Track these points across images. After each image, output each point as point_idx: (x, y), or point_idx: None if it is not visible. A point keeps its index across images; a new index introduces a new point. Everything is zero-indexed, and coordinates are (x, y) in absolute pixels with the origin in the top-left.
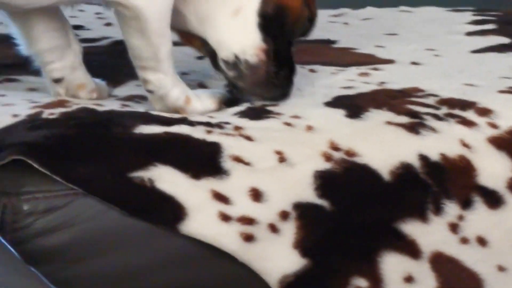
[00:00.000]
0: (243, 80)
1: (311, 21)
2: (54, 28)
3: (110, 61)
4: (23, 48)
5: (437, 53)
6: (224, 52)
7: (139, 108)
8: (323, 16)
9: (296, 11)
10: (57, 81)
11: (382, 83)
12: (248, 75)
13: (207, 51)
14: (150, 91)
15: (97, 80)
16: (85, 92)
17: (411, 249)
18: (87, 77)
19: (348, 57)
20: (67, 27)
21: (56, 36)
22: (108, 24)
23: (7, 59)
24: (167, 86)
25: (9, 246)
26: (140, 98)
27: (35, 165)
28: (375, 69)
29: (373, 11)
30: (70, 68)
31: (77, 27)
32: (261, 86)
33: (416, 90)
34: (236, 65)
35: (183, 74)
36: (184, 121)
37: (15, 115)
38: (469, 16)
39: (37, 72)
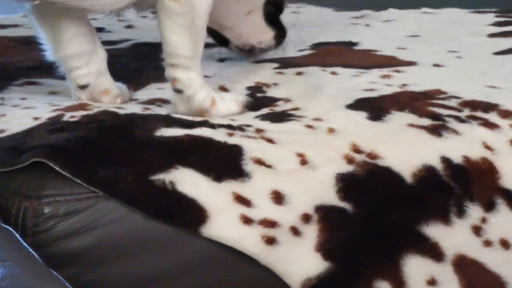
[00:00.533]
0: (252, 57)
1: None
2: (82, 33)
3: (131, 64)
4: (49, 53)
5: (459, 55)
6: (242, 42)
7: (161, 111)
8: (345, 18)
9: None
10: (83, 87)
11: (404, 85)
12: (259, 54)
13: (212, 36)
14: (178, 90)
15: (119, 84)
16: (109, 97)
17: (434, 252)
18: (112, 83)
19: (370, 59)
20: (94, 32)
21: (83, 42)
22: (129, 27)
23: (27, 61)
24: (196, 85)
25: (31, 250)
26: (162, 102)
27: (57, 168)
28: (397, 71)
29: (395, 13)
30: (95, 74)
31: (98, 30)
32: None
33: (439, 92)
34: (251, 50)
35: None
36: (205, 123)
37: (36, 118)
38: (491, 17)
39: (58, 75)
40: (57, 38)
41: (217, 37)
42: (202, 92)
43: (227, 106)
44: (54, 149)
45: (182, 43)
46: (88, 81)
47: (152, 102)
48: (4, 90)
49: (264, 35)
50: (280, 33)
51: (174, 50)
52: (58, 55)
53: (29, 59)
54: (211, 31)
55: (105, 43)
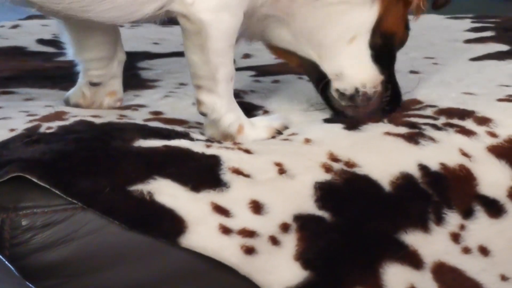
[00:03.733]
0: (354, 109)
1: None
2: (106, 41)
3: None
4: (70, 53)
5: (436, 61)
6: (343, 84)
7: (135, 115)
8: None
9: (400, 35)
10: (94, 84)
11: None
12: (362, 106)
13: (308, 71)
14: (203, 114)
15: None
16: (113, 99)
17: (413, 259)
18: (120, 86)
19: None
20: (118, 37)
21: (106, 48)
22: None
23: (4, 72)
24: (221, 110)
25: (7, 262)
26: (138, 106)
27: (34, 179)
28: None
29: None
30: (110, 76)
31: None
32: (371, 113)
33: (415, 102)
34: (352, 97)
35: (242, 93)
36: (184, 135)
37: (12, 129)
38: (468, 23)
39: (33, 84)
40: (81, 42)
41: (314, 76)
42: (229, 117)
43: (256, 132)
44: (31, 162)
45: (201, 64)
46: (101, 80)
47: (128, 107)
48: None
49: (368, 74)
50: (392, 84)
51: (194, 70)
52: (79, 57)
53: (6, 69)
54: (309, 67)
55: None
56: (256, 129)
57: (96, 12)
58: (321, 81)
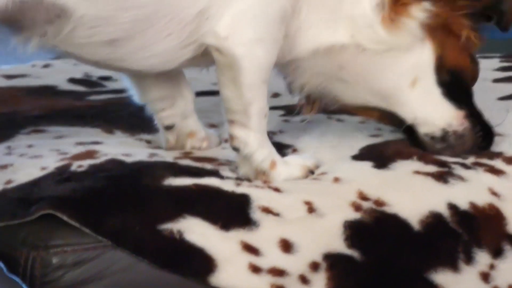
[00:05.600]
0: (451, 150)
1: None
2: (165, 78)
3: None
4: (136, 97)
5: None
6: (428, 128)
7: (166, 155)
8: None
9: (467, 69)
10: (168, 128)
11: None
12: (458, 145)
13: (391, 121)
14: (235, 149)
15: (209, 130)
16: (195, 140)
17: None
18: (198, 126)
19: None
20: (180, 75)
21: (166, 86)
22: None
23: (34, 110)
24: (253, 144)
25: None
26: None
27: (64, 218)
28: None
29: None
30: (180, 116)
31: (105, 78)
32: (469, 150)
33: None
34: (444, 138)
35: (271, 133)
36: (214, 173)
37: (43, 168)
38: (496, 62)
39: (64, 123)
40: (140, 83)
41: (398, 124)
42: (261, 152)
43: (289, 170)
44: (61, 200)
45: (234, 98)
46: (173, 122)
47: (159, 146)
48: (12, 138)
49: (446, 112)
50: (477, 118)
51: (227, 105)
52: (143, 98)
53: (36, 108)
54: (389, 116)
55: (112, 91)
56: (289, 166)
57: (133, 61)
58: (407, 130)
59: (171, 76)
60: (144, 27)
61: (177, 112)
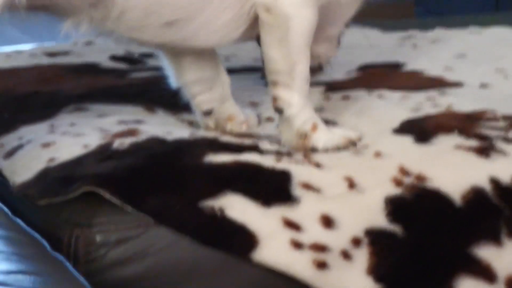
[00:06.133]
0: None
1: None
2: (203, 60)
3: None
4: (172, 80)
5: (507, 74)
6: None
7: (207, 133)
8: (392, 38)
9: None
10: (207, 113)
11: (451, 107)
12: None
13: None
14: (278, 110)
15: (247, 111)
16: (235, 124)
17: (486, 273)
18: (236, 109)
19: (416, 80)
20: (217, 59)
21: (204, 68)
22: None
23: (77, 89)
24: (297, 106)
25: (82, 278)
26: None
27: (106, 196)
28: (444, 93)
29: (442, 33)
30: (219, 100)
31: (147, 55)
32: None
33: (485, 113)
34: None
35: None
36: (254, 149)
37: (85, 146)
38: None
39: (106, 101)
40: (178, 64)
41: None
42: (304, 113)
43: (329, 136)
44: (103, 178)
45: (279, 59)
46: (211, 106)
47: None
48: (54, 117)
49: None
50: None
51: (272, 66)
52: (180, 81)
53: (78, 86)
54: None
55: (154, 69)
56: (330, 133)
57: (196, 40)
58: None
59: (209, 59)
60: (202, 4)
61: (215, 96)
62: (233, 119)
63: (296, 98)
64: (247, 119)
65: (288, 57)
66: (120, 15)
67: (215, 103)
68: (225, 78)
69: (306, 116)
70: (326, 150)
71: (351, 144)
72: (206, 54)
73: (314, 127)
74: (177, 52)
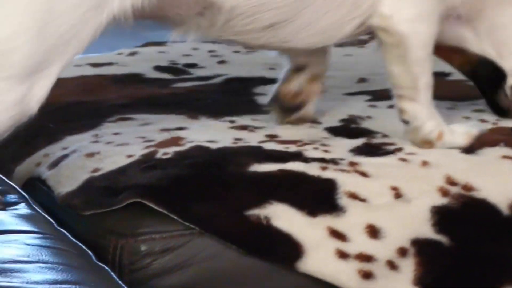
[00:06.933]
0: None
1: None
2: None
3: (224, 99)
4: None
5: None
6: None
7: (252, 139)
8: None
9: None
10: (298, 69)
11: (498, 120)
12: None
13: (475, 70)
14: (405, 121)
15: None
16: (315, 85)
17: None
18: (323, 73)
19: (462, 90)
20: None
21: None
22: (222, 62)
23: (120, 99)
24: (422, 117)
25: None
26: (254, 128)
27: (152, 205)
28: None
29: None
30: (315, 62)
31: (191, 65)
32: None
33: None
34: None
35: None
36: (298, 157)
37: (129, 156)
38: None
39: (149, 110)
40: None
41: (483, 75)
42: (429, 124)
43: (455, 139)
44: (148, 188)
45: (402, 75)
46: (306, 63)
47: (245, 127)
48: (99, 127)
49: None
50: None
51: (396, 81)
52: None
53: (122, 96)
54: (478, 66)
55: (198, 79)
56: (455, 135)
57: (296, 41)
58: (490, 80)
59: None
60: (301, 7)
61: (314, 59)
62: (316, 80)
63: (420, 110)
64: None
65: (410, 72)
66: (226, 21)
67: (311, 62)
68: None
69: (432, 126)
70: None
71: (475, 139)
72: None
73: (440, 136)
74: None
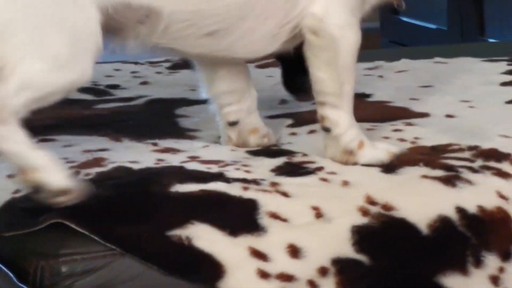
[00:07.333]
0: None
1: None
2: (236, 72)
3: (146, 120)
4: (203, 91)
5: (472, 105)
6: None
7: (174, 160)
8: (358, 69)
9: None
10: (232, 124)
11: (416, 139)
12: None
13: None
14: (326, 129)
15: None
16: (257, 137)
17: None
18: (260, 122)
19: (382, 111)
20: (248, 72)
21: (236, 80)
22: (144, 83)
23: (45, 120)
24: (344, 125)
25: None
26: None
27: (73, 226)
28: (410, 124)
29: (408, 63)
30: (246, 112)
31: (113, 86)
32: None
33: (450, 145)
34: None
35: None
36: (220, 177)
37: None
38: (504, 65)
39: (72, 131)
40: (212, 75)
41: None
42: (350, 132)
43: (375, 152)
44: (70, 209)
45: (327, 81)
46: (238, 118)
47: (167, 150)
48: None
49: None
50: None
51: (320, 87)
52: (211, 91)
53: (47, 117)
54: None
55: (120, 100)
56: (375, 149)
57: (236, 49)
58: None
59: (241, 71)
60: (242, 14)
61: (243, 107)
62: (256, 132)
63: (343, 118)
64: (268, 133)
65: (337, 78)
66: (165, 29)
67: (242, 114)
68: (254, 91)
69: (353, 135)
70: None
71: (394, 158)
72: (239, 67)
73: (361, 145)
74: (212, 64)
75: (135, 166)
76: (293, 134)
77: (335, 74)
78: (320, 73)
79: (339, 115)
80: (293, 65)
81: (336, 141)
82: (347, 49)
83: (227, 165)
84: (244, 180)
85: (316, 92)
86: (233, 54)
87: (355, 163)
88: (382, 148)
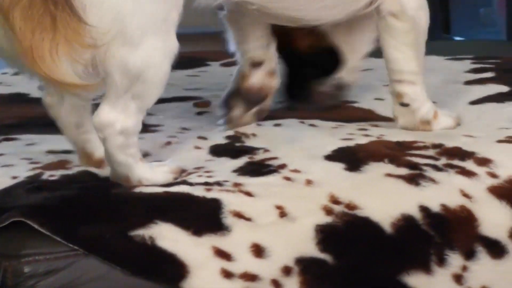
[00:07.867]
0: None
1: None
2: (266, 32)
3: None
4: (233, 46)
5: (436, 105)
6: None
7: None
8: None
9: None
10: (256, 64)
11: (382, 135)
12: None
13: (315, 54)
14: (404, 104)
15: None
16: (273, 80)
17: None
18: (277, 68)
19: (348, 112)
20: (270, 32)
21: (265, 39)
22: None
23: (7, 119)
24: (422, 98)
25: None
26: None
27: (35, 226)
28: (375, 125)
29: (373, 62)
30: (268, 58)
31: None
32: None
33: (415, 142)
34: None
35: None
36: (183, 182)
37: (14, 177)
38: (468, 64)
39: (35, 131)
40: (245, 36)
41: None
42: (427, 105)
43: (447, 120)
44: (33, 208)
45: (408, 61)
46: (262, 59)
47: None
48: None
49: None
50: None
51: (399, 67)
52: (242, 47)
53: (10, 117)
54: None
55: None
56: (446, 117)
57: (307, 12)
58: (323, 69)
59: (268, 30)
60: None
61: (267, 55)
62: (272, 76)
63: (420, 93)
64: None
65: (415, 56)
66: None
67: (265, 57)
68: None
69: (428, 106)
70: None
71: (458, 124)
72: (266, 27)
73: (436, 115)
74: (245, 25)
75: (101, 173)
76: (259, 125)
77: (414, 53)
78: (399, 54)
79: (416, 90)
80: (301, 73)
81: (413, 113)
82: (423, 29)
83: (189, 174)
84: (206, 183)
85: (393, 71)
86: (303, 16)
87: (430, 130)
88: (447, 114)
